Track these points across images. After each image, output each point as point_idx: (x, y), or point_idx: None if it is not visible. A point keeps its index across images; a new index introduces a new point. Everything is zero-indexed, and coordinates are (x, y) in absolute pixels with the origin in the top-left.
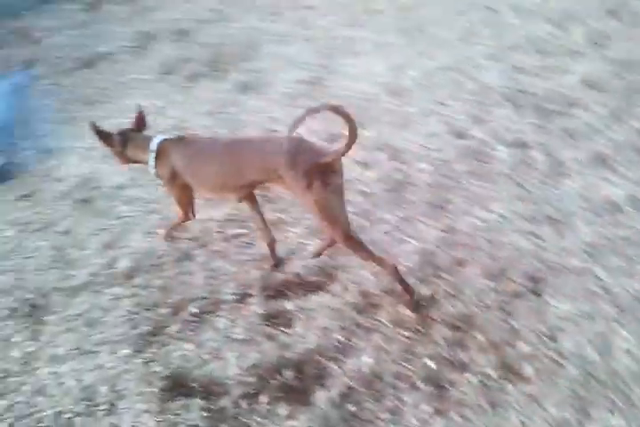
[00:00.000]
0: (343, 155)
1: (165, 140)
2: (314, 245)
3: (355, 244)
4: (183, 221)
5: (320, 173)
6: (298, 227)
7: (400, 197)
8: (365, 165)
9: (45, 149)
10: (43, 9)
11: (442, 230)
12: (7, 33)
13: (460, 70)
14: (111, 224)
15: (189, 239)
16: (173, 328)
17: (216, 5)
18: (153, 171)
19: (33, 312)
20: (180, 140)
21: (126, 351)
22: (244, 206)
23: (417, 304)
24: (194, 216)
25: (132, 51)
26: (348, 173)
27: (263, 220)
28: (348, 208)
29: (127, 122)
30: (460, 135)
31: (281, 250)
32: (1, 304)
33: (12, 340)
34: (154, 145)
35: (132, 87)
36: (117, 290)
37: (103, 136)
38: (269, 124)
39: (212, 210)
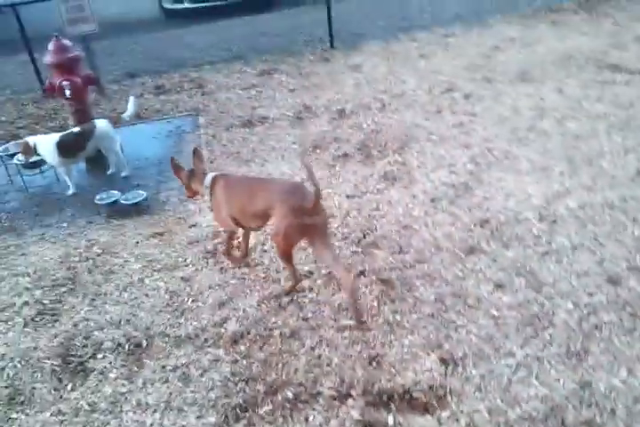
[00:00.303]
0: (315, 203)
1: (215, 176)
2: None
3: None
4: (227, 232)
5: (302, 211)
6: (414, 335)
7: (533, 331)
8: (500, 286)
9: None
10: (222, 66)
11: (576, 383)
12: (186, 81)
13: (625, 211)
14: (231, 283)
15: (303, 319)
16: (265, 409)
17: (379, 94)
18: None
19: (135, 352)
20: (223, 176)
21: (213, 420)
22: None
23: (360, 321)
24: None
25: (290, 120)
26: (479, 290)
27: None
28: (472, 328)
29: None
30: (614, 281)
31: (392, 357)
32: (109, 335)
33: (109, 375)
34: (208, 180)
35: (283, 154)
36: (220, 352)
37: (177, 169)
38: (405, 218)
39: (328, 296)
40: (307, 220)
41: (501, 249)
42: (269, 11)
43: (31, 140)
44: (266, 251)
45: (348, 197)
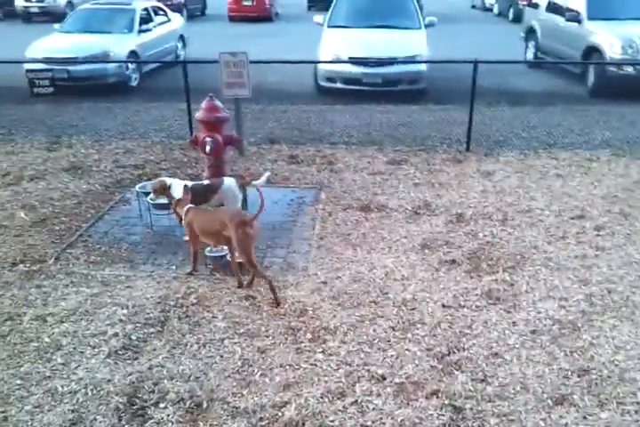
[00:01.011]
0: (254, 220)
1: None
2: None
3: (253, 266)
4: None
5: (244, 226)
6: None
7: None
8: None
9: (289, 263)
10: (356, 148)
11: None
12: (319, 156)
13: None
14: (302, 366)
15: (362, 426)
16: None
17: (504, 206)
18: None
19: (194, 411)
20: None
21: None
22: None
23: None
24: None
25: (407, 213)
26: None
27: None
28: None
29: None
30: None
31: None
32: (175, 388)
33: None
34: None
35: (391, 246)
36: None
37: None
38: (498, 345)
39: (395, 407)
40: (251, 231)
41: (596, 407)
42: (416, 103)
43: (168, 180)
44: (345, 342)
45: (443, 306)
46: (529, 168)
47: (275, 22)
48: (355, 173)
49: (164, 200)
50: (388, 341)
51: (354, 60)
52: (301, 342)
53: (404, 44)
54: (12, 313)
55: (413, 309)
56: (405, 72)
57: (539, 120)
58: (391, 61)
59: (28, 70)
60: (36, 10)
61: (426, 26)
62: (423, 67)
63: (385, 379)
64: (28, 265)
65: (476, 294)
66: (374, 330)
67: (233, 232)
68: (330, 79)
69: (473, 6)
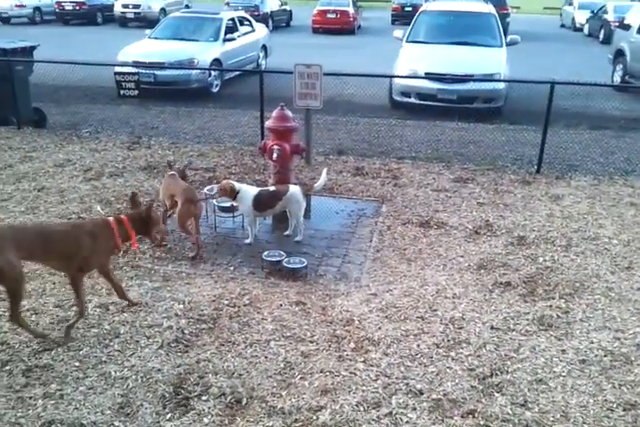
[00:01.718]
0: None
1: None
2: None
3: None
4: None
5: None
6: None
7: None
8: None
9: (343, 273)
10: (422, 164)
11: None
12: (384, 169)
13: None
14: (342, 374)
15: None
16: None
17: (569, 232)
18: None
19: (233, 406)
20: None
21: None
22: None
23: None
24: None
25: (467, 232)
26: None
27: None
28: None
29: None
30: None
31: None
32: (219, 382)
33: (204, 418)
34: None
35: (446, 264)
36: None
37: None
38: (544, 371)
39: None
40: (192, 208)
41: None
42: (491, 122)
43: (237, 185)
44: (387, 355)
45: (492, 328)
46: (601, 194)
47: (357, 35)
48: (418, 189)
49: (228, 203)
50: (431, 357)
51: (430, 76)
52: (344, 350)
53: (483, 62)
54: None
55: (461, 328)
56: (482, 90)
57: (619, 145)
58: (468, 78)
59: (116, 73)
60: (131, 15)
61: (508, 44)
62: (501, 85)
63: (422, 394)
64: None
65: (528, 319)
66: (418, 345)
67: (179, 205)
68: (404, 94)
69: (562, 26)
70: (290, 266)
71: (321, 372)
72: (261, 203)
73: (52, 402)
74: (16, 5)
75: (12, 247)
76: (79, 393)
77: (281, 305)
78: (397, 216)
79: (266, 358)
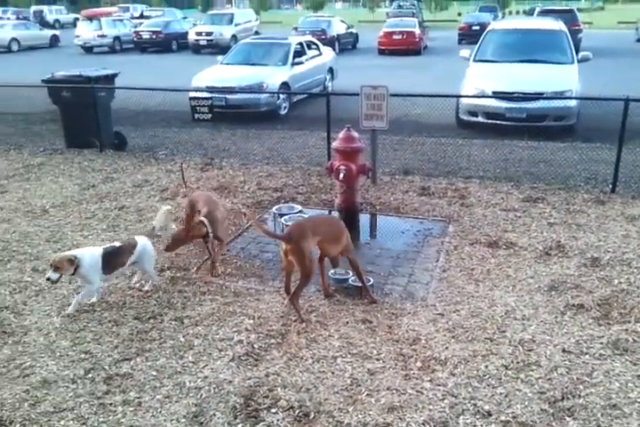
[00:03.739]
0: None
1: None
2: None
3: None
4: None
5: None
6: None
7: None
8: None
9: (409, 292)
10: (490, 183)
11: None
12: (451, 189)
13: None
14: (409, 392)
15: None
16: None
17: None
18: None
19: (301, 420)
20: None
21: None
22: None
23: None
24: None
25: (537, 253)
26: None
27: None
28: None
29: None
30: None
31: None
32: (287, 396)
33: None
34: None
35: (515, 284)
36: None
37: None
38: (618, 397)
39: None
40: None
41: None
42: (562, 141)
43: (72, 254)
44: (454, 375)
45: (564, 351)
46: None
47: (423, 55)
48: (486, 209)
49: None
50: (499, 378)
51: (498, 95)
52: (410, 369)
53: (553, 79)
54: (156, 313)
55: (530, 350)
56: (552, 108)
57: None
58: (538, 97)
59: (191, 98)
60: (204, 42)
61: (579, 61)
62: (572, 103)
63: (490, 415)
64: (173, 272)
65: (602, 343)
66: (486, 366)
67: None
68: (471, 113)
69: (638, 40)
70: (356, 284)
71: (387, 389)
72: (111, 262)
73: (132, 409)
74: (98, 35)
75: (311, 235)
76: (156, 401)
77: (347, 322)
78: (465, 236)
79: (333, 373)
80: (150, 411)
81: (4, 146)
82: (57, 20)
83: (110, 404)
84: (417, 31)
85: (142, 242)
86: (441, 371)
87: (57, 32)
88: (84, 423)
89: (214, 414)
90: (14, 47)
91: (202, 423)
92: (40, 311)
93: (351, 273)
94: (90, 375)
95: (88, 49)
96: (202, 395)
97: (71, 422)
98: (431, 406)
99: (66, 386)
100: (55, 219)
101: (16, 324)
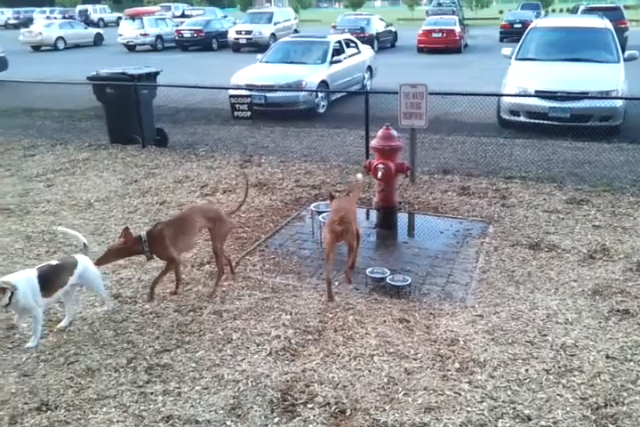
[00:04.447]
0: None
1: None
2: None
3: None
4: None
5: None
6: None
7: None
8: None
9: (447, 293)
10: (532, 184)
11: None
12: (491, 189)
13: None
14: (447, 393)
15: None
16: None
17: None
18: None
19: (337, 416)
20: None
21: None
22: None
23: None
24: None
25: (580, 256)
26: None
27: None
28: None
29: None
30: None
31: None
32: (324, 392)
33: (309, 426)
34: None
35: (558, 288)
36: None
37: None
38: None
39: None
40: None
41: None
42: (608, 141)
43: (5, 280)
44: (494, 377)
45: (607, 357)
46: None
47: (463, 54)
48: (528, 210)
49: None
50: (540, 383)
51: (541, 94)
52: (448, 369)
53: (598, 79)
54: (195, 306)
55: (573, 355)
56: (597, 108)
57: None
58: (582, 96)
59: (231, 95)
60: (244, 41)
61: (625, 60)
62: (618, 103)
63: (530, 420)
64: (213, 266)
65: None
66: (526, 370)
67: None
68: (513, 112)
69: None
70: (394, 283)
71: (424, 389)
72: (48, 283)
73: (171, 399)
74: (140, 34)
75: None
76: (195, 392)
77: (384, 321)
78: (505, 237)
79: (369, 371)
80: (189, 401)
81: (51, 141)
82: (101, 19)
83: (151, 393)
84: (457, 29)
85: (82, 260)
86: (480, 373)
87: (101, 31)
88: (125, 411)
89: (251, 407)
90: (60, 45)
91: (239, 416)
92: (84, 301)
93: (389, 272)
94: (132, 365)
95: (131, 47)
96: (239, 388)
97: (113, 409)
98: (469, 408)
99: (108, 374)
100: (99, 212)
101: (61, 313)
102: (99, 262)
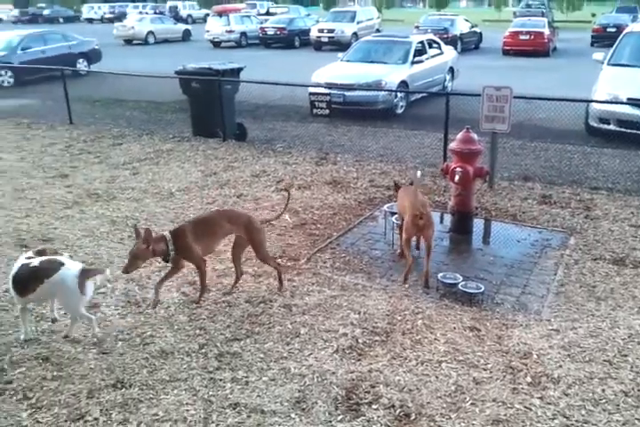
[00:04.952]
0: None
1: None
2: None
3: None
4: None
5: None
6: None
7: None
8: None
9: (522, 304)
10: (620, 196)
11: None
12: (575, 199)
13: None
14: (516, 407)
15: None
16: None
17: None
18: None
19: (401, 419)
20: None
21: None
22: None
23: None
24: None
25: None
26: None
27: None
28: None
29: None
30: None
31: None
32: (389, 394)
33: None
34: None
35: None
36: None
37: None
38: None
39: None
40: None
41: None
42: None
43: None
44: (567, 395)
45: None
46: None
47: (551, 57)
48: (614, 223)
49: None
50: (617, 405)
51: (633, 102)
52: (519, 383)
53: None
54: (266, 298)
55: None
56: None
57: None
58: None
59: (310, 93)
60: (325, 39)
61: None
62: None
63: None
64: (284, 261)
65: None
66: (603, 390)
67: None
68: (603, 120)
69: None
70: (466, 290)
71: (493, 401)
72: (19, 284)
73: (239, 387)
74: (226, 31)
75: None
76: (262, 382)
77: (454, 328)
78: (587, 251)
79: (437, 378)
80: (256, 391)
81: (139, 131)
82: (189, 15)
83: (220, 380)
84: (546, 32)
85: (65, 270)
86: (553, 389)
87: (189, 26)
88: (194, 395)
89: (316, 402)
90: (150, 40)
91: (304, 409)
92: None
93: (461, 278)
94: (203, 350)
95: (216, 43)
96: (305, 382)
97: (183, 392)
98: (539, 425)
99: (181, 358)
100: (179, 202)
101: (140, 296)
102: (127, 270)
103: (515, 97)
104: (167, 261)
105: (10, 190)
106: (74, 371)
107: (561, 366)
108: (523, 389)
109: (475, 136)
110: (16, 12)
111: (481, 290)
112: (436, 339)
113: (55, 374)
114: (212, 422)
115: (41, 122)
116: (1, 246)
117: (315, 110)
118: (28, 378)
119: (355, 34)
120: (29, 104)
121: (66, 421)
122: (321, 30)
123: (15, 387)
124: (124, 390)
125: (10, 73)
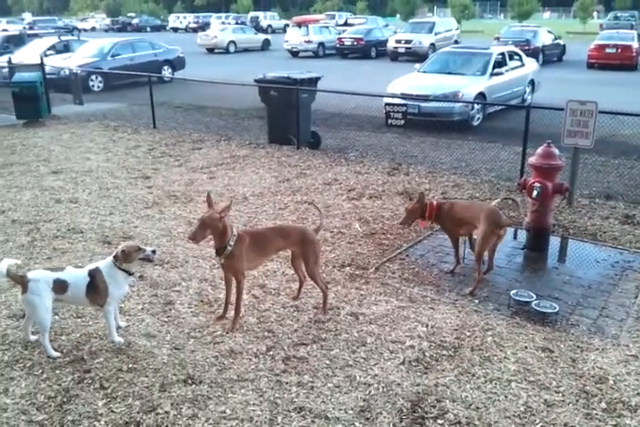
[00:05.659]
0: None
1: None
2: None
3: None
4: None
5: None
6: None
7: None
8: None
9: (599, 327)
10: None
11: None
12: None
13: None
14: None
15: None
16: None
17: None
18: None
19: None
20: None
21: None
22: None
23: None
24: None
25: None
26: None
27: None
28: None
29: None
30: None
31: None
32: (455, 410)
33: None
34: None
35: None
36: None
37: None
38: None
39: None
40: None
41: None
42: None
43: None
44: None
45: None
46: None
47: (639, 71)
48: None
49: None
50: None
51: None
52: (593, 408)
53: None
54: (334, 305)
55: None
56: None
57: None
58: None
59: (386, 104)
60: (402, 50)
61: None
62: None
63: None
64: (353, 269)
65: None
66: None
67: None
68: None
69: None
70: (540, 309)
71: (564, 425)
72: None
73: (304, 391)
74: (305, 41)
75: None
76: (327, 389)
77: (526, 347)
78: None
79: (506, 397)
80: (321, 397)
81: (217, 137)
82: (269, 26)
83: (286, 383)
84: (635, 45)
85: (35, 284)
86: (629, 418)
87: (269, 36)
88: (261, 396)
89: (381, 413)
90: (231, 49)
91: (368, 419)
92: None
93: (535, 296)
94: (270, 353)
95: (294, 53)
96: (370, 391)
97: (250, 392)
98: None
99: (249, 358)
100: (253, 206)
101: (212, 295)
102: (194, 237)
103: (599, 112)
104: (219, 255)
105: (96, 189)
106: (148, 364)
107: (639, 394)
108: (597, 415)
109: (556, 151)
110: (108, 20)
111: (555, 310)
112: (505, 357)
113: (130, 366)
114: (278, 424)
115: (126, 125)
116: (86, 242)
117: (390, 121)
118: (105, 369)
119: (432, 45)
120: (117, 108)
121: (138, 412)
122: (398, 41)
123: (93, 376)
124: (194, 386)
125: (100, 78)
